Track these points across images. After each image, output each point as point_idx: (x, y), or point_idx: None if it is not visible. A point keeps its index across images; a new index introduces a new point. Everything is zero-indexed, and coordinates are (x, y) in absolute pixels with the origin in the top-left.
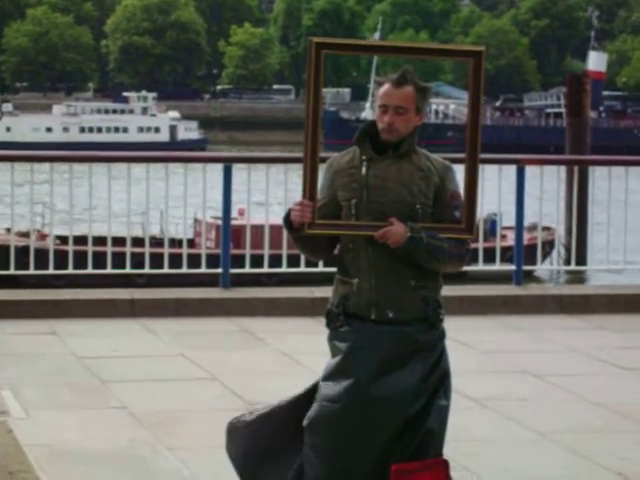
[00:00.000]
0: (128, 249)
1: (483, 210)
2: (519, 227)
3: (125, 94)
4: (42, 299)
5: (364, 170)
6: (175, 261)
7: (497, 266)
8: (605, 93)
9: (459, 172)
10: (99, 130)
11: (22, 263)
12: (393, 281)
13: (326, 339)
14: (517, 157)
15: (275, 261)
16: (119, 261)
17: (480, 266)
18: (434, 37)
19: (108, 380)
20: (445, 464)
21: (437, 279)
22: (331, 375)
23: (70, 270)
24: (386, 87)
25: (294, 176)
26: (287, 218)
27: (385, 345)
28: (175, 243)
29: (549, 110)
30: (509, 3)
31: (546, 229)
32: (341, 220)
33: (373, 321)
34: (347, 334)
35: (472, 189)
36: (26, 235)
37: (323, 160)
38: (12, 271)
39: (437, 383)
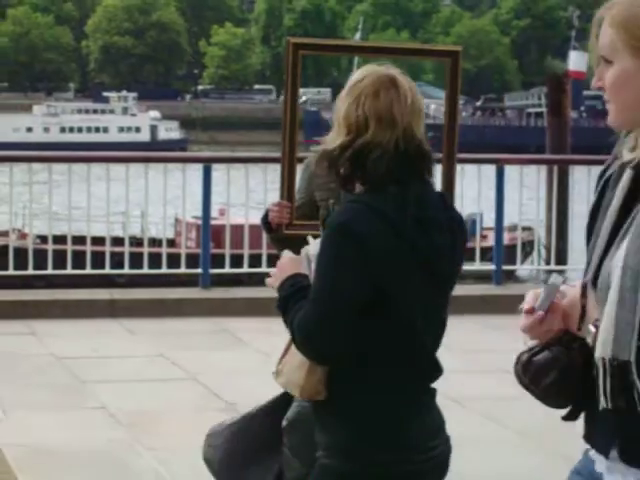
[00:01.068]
0: (107, 249)
1: (465, 210)
2: (499, 227)
3: (105, 94)
4: (21, 299)
5: None
6: (156, 261)
7: (477, 266)
8: (586, 93)
9: (437, 171)
10: (79, 130)
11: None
12: None
13: None
14: (496, 157)
15: (255, 261)
16: (99, 261)
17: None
18: (415, 37)
19: (87, 380)
20: None
21: None
22: None
23: (50, 270)
24: None
25: (274, 176)
26: (265, 219)
27: None
28: (156, 243)
29: (530, 110)
30: (490, 3)
31: (527, 229)
32: (319, 220)
33: None
34: None
35: (450, 188)
36: (5, 235)
37: (301, 160)
38: None
39: None
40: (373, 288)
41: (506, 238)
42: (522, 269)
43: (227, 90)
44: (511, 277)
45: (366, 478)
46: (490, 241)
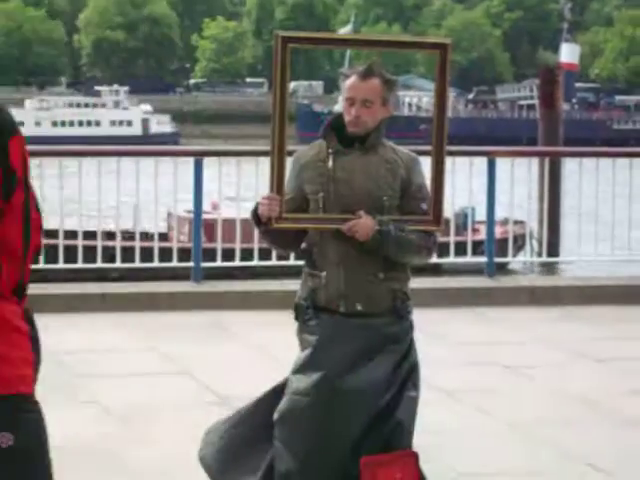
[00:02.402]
0: (99, 243)
1: (457, 203)
2: (490, 219)
3: (97, 88)
4: None
5: (331, 163)
6: (148, 255)
7: (468, 258)
8: (578, 85)
9: (427, 164)
10: (71, 124)
11: None
12: (361, 274)
13: (295, 332)
14: (488, 149)
15: (247, 254)
16: (91, 255)
17: (451, 258)
18: (406, 30)
19: (79, 374)
20: (414, 456)
21: (405, 271)
22: (301, 368)
23: (42, 265)
24: (352, 80)
25: (265, 169)
26: (255, 212)
27: (354, 338)
28: (148, 237)
29: (522, 102)
30: None
31: (519, 223)
32: (309, 214)
33: (342, 314)
34: (316, 327)
35: (439, 181)
36: None
37: (290, 154)
38: None
39: (406, 375)
40: None
41: (498, 232)
42: (514, 261)
43: (219, 83)
44: (503, 270)
45: None
46: (482, 234)
